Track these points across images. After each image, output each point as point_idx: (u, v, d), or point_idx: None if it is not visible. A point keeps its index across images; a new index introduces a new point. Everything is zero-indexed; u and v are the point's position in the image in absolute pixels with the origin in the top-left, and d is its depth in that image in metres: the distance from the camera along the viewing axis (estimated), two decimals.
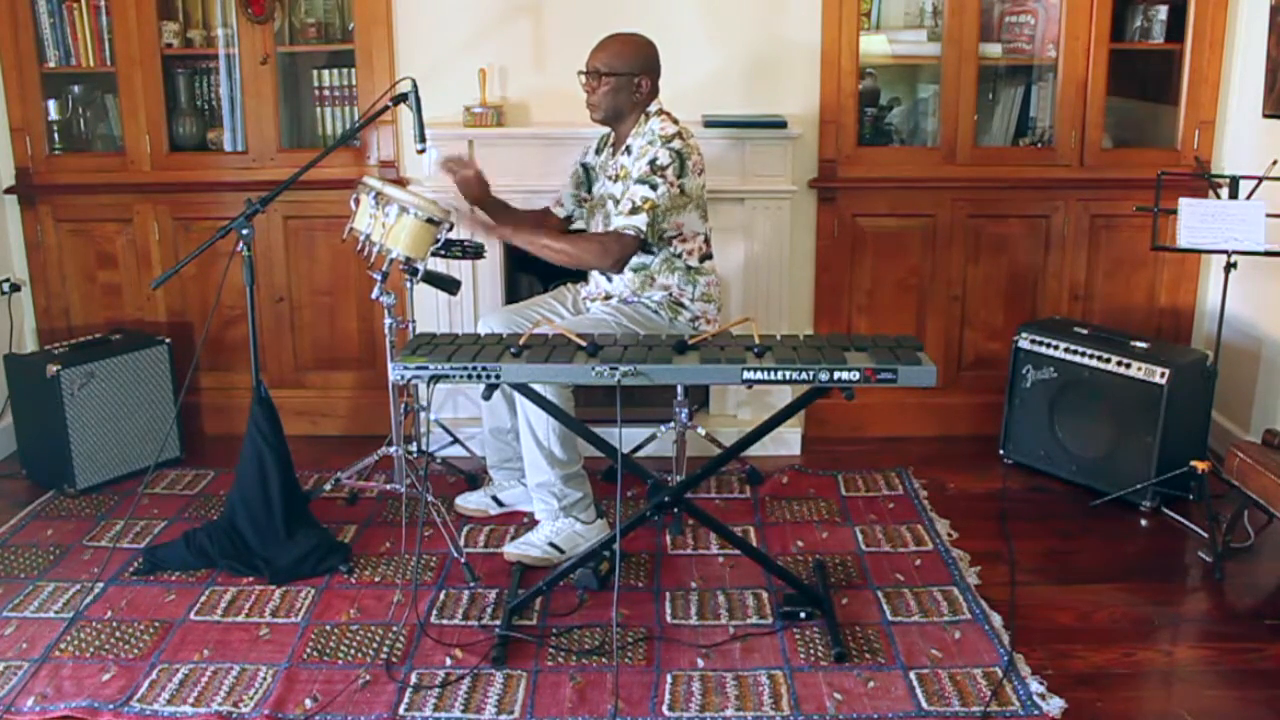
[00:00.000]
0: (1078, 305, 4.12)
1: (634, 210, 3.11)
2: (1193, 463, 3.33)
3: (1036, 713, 2.50)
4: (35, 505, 3.65)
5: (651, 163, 3.13)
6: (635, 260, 3.23)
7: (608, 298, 3.34)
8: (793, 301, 4.02)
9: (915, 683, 2.62)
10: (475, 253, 3.54)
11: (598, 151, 3.45)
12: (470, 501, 3.54)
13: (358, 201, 3.25)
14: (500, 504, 3.51)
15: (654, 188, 3.12)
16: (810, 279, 4.11)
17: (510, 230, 3.23)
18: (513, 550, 3.18)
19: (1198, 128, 3.98)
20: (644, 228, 3.11)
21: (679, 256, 3.26)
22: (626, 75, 3.20)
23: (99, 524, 3.50)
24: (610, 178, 3.31)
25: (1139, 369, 3.47)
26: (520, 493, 3.46)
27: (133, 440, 3.83)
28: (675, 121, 3.25)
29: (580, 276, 3.55)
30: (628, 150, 3.26)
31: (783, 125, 3.79)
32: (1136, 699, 2.59)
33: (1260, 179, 3.39)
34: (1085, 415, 3.63)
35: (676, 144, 3.16)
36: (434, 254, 3.33)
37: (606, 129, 3.39)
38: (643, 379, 2.56)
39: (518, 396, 2.96)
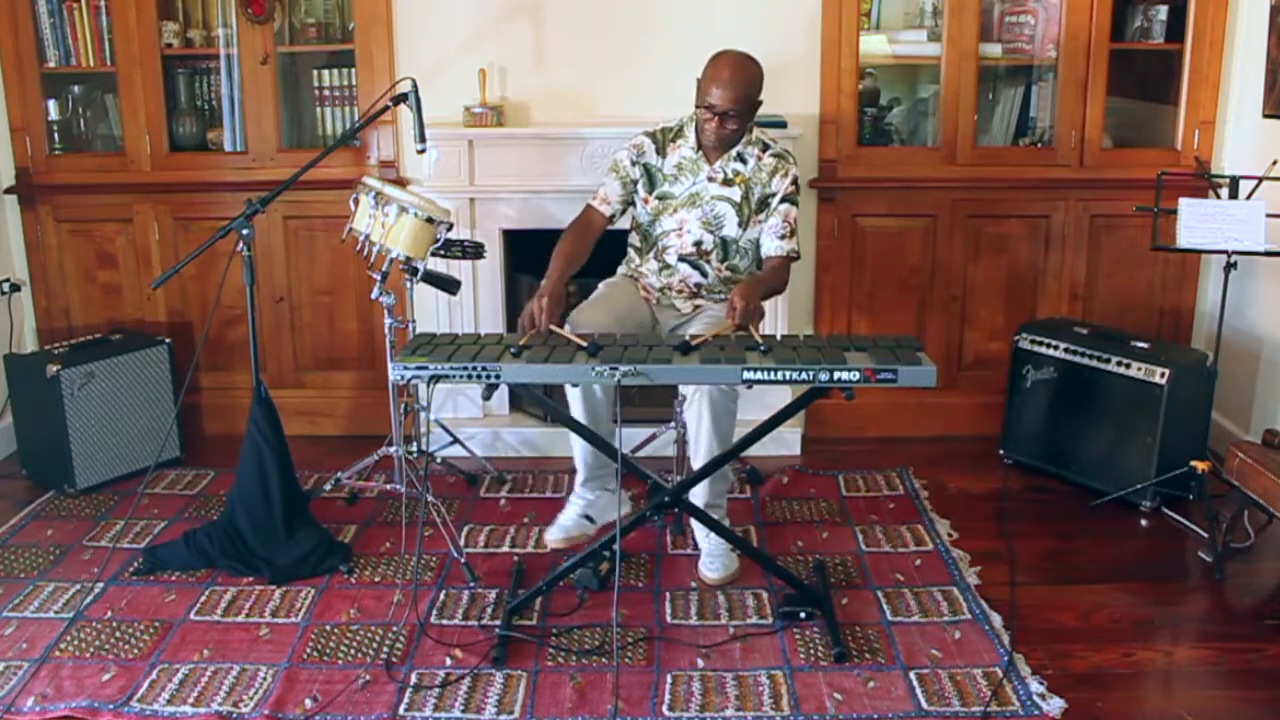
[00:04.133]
0: (1078, 305, 4.12)
1: (792, 233, 3.29)
2: (1193, 463, 3.33)
3: (1036, 713, 2.50)
4: (35, 505, 3.65)
5: (795, 181, 3.28)
6: (732, 262, 3.31)
7: (694, 294, 3.32)
8: (793, 301, 4.02)
9: (915, 683, 2.62)
10: (475, 253, 3.54)
11: (659, 151, 3.30)
12: (564, 530, 3.21)
13: (357, 202, 3.25)
14: (593, 521, 3.25)
15: (797, 204, 3.30)
16: (810, 279, 4.11)
17: (751, 291, 3.09)
18: (714, 576, 3.10)
19: (1198, 128, 3.98)
20: (798, 246, 3.31)
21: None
22: (753, 108, 3.21)
23: (99, 524, 3.50)
24: (716, 180, 3.25)
25: (1139, 369, 3.47)
26: (609, 500, 3.28)
27: (133, 440, 3.83)
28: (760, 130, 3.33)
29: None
30: (741, 159, 3.25)
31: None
32: (1136, 699, 2.59)
33: (1260, 179, 3.39)
34: (1085, 415, 3.63)
35: (793, 157, 3.31)
36: (434, 254, 3.34)
37: (657, 126, 3.33)
38: (643, 379, 2.56)
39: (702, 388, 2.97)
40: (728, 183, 3.25)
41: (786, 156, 3.29)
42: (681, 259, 3.29)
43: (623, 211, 3.35)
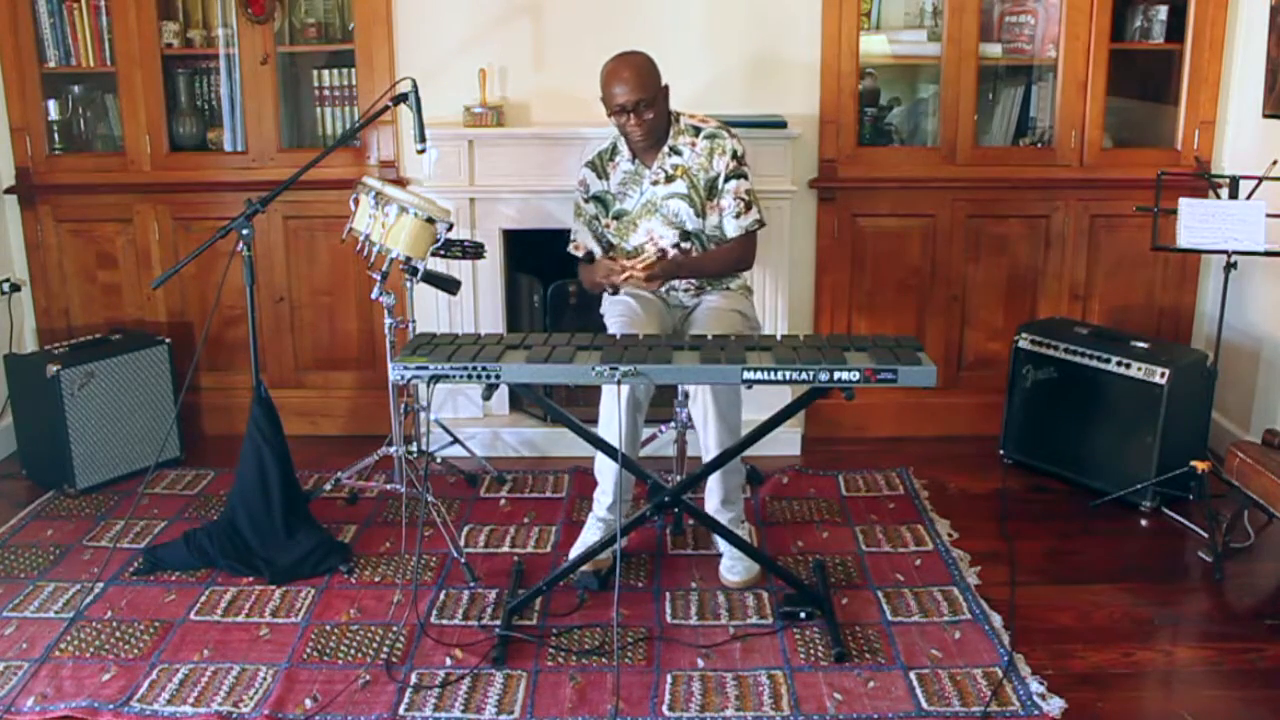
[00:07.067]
0: (1078, 305, 4.12)
1: (748, 206, 3.30)
2: (1193, 463, 3.33)
3: (1036, 713, 2.50)
4: (35, 505, 3.65)
5: (734, 155, 3.27)
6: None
7: (700, 289, 3.35)
8: (793, 301, 4.02)
9: (915, 683, 2.62)
10: (475, 253, 3.54)
11: (600, 176, 3.37)
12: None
13: (357, 202, 3.25)
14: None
15: (746, 176, 3.29)
16: (810, 279, 4.11)
17: (674, 266, 3.20)
18: (737, 579, 3.06)
19: (1198, 128, 3.98)
20: (759, 215, 3.31)
21: None
22: (660, 92, 3.23)
23: (99, 524, 3.50)
24: (659, 181, 3.28)
25: (1139, 369, 3.47)
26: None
27: (133, 440, 3.83)
28: (689, 114, 3.36)
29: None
30: (676, 151, 3.28)
31: (783, 125, 3.79)
32: (1136, 699, 2.59)
33: (1260, 179, 3.39)
34: (1085, 415, 3.63)
35: (728, 130, 3.30)
36: (434, 254, 3.34)
37: (594, 152, 3.38)
38: (643, 379, 2.56)
39: (707, 391, 2.98)
40: (670, 179, 3.28)
41: (720, 134, 3.29)
42: None
43: (605, 251, 3.43)
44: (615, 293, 3.28)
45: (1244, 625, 2.90)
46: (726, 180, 3.27)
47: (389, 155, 4.06)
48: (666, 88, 3.26)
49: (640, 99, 3.16)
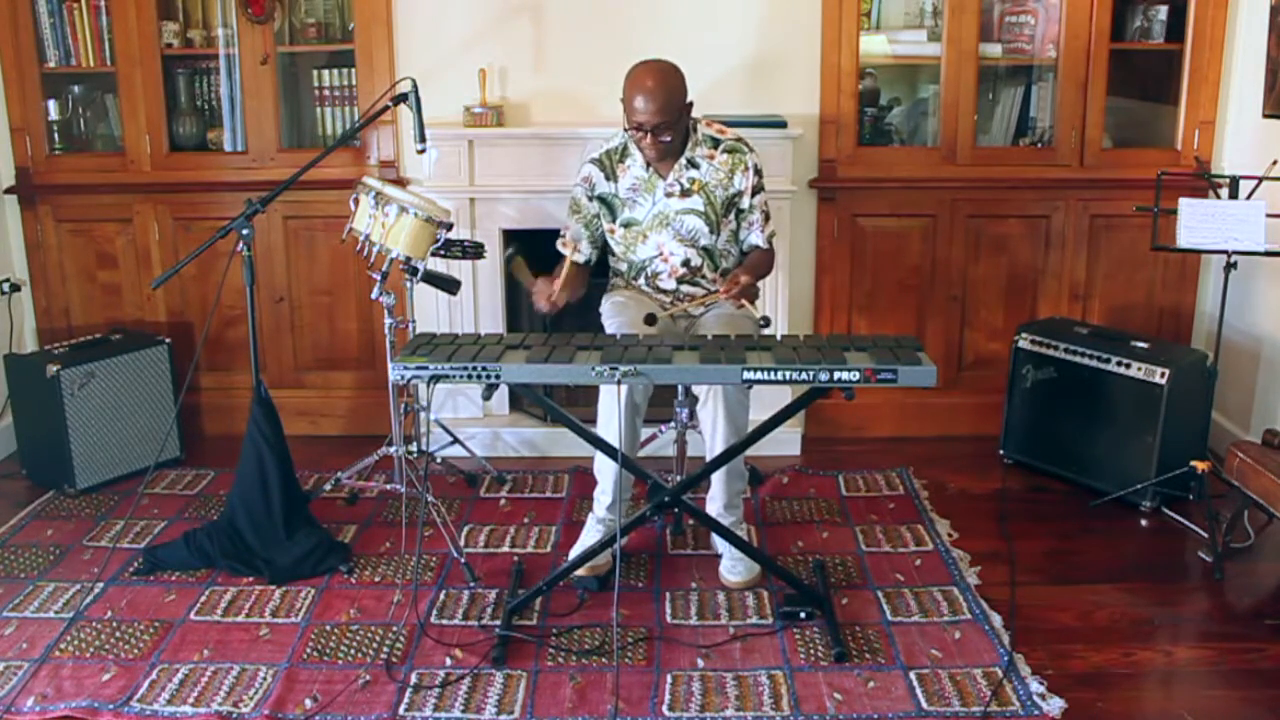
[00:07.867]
0: (1078, 305, 4.12)
1: (767, 217, 3.31)
2: (1193, 463, 3.33)
3: (1036, 713, 2.50)
4: (35, 505, 3.65)
5: (757, 171, 3.24)
6: (724, 267, 3.31)
7: (706, 295, 3.31)
8: (793, 301, 4.02)
9: (915, 683, 2.62)
10: (475, 253, 3.54)
11: (609, 176, 3.26)
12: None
13: (357, 202, 3.25)
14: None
15: (765, 188, 3.29)
16: (810, 279, 4.11)
17: (747, 277, 3.08)
18: (737, 580, 3.07)
19: (1198, 128, 3.98)
20: (774, 226, 3.34)
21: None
22: (684, 110, 3.15)
23: (99, 524, 3.50)
24: (674, 194, 3.20)
25: (1139, 369, 3.47)
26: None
27: (133, 440, 3.83)
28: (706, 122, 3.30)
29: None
30: (693, 164, 3.20)
31: (783, 125, 3.79)
32: (1136, 699, 2.59)
33: (1260, 179, 3.39)
34: (1085, 415, 3.63)
35: (747, 144, 3.27)
36: (434, 254, 3.34)
37: (602, 149, 3.29)
38: (643, 379, 2.56)
39: (717, 392, 2.97)
40: (686, 194, 3.21)
41: (740, 149, 3.23)
42: (679, 281, 3.30)
43: (599, 252, 3.36)
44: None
45: (1244, 625, 2.90)
46: (753, 195, 3.24)
47: (389, 155, 4.06)
48: (690, 105, 3.16)
49: (661, 122, 3.05)
